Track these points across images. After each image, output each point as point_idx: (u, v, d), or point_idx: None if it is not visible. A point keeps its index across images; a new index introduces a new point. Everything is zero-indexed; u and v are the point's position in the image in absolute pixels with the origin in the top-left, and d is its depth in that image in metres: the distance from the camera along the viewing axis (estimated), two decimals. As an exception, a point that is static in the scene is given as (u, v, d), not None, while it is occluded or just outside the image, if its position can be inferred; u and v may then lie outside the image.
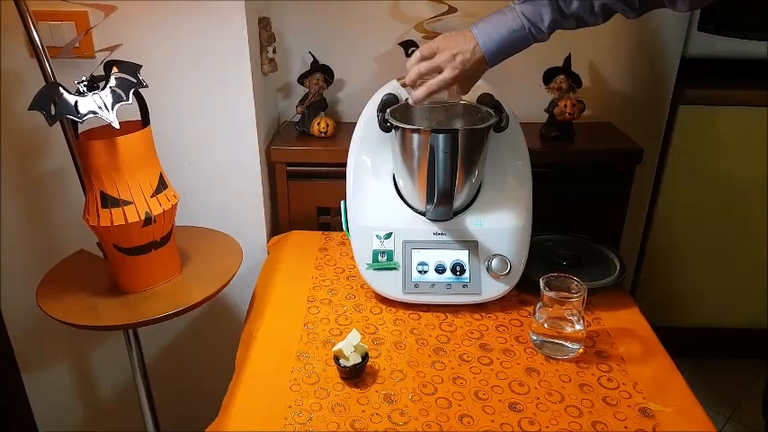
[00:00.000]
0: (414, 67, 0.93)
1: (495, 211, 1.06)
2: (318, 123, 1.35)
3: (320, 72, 1.35)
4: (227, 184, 1.28)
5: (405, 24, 1.38)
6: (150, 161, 1.01)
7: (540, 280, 0.93)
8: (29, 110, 0.88)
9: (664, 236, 1.65)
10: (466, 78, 0.92)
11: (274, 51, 1.32)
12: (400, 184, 1.08)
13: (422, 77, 0.93)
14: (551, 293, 0.91)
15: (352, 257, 1.08)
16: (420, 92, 0.92)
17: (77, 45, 1.12)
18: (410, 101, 0.95)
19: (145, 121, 1.02)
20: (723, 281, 1.70)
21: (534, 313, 0.95)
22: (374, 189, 1.09)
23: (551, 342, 0.93)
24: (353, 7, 1.38)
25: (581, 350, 0.93)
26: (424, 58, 0.93)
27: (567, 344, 0.93)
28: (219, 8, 1.13)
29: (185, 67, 1.17)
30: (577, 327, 0.92)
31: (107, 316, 0.99)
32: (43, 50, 0.98)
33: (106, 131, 0.97)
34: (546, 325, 0.93)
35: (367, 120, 1.09)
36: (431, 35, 1.36)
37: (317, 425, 0.80)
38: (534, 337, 0.95)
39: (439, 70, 0.91)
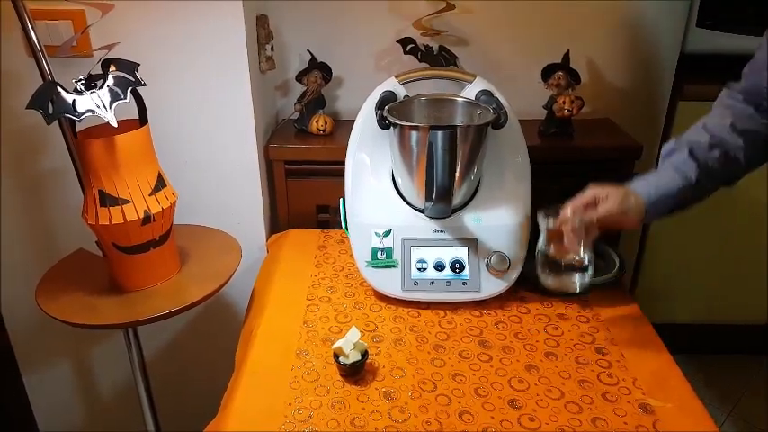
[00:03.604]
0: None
1: (494, 208, 1.06)
2: (317, 121, 1.35)
3: (318, 70, 1.35)
4: (225, 182, 1.28)
5: (403, 21, 1.38)
6: (148, 159, 1.01)
7: (539, 213, 0.89)
8: (26, 109, 0.88)
9: (662, 232, 1.65)
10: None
11: (272, 49, 1.32)
12: (399, 181, 1.08)
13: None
14: (550, 222, 0.87)
15: (352, 255, 1.08)
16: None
17: (75, 44, 1.12)
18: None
19: (143, 119, 1.02)
20: (722, 277, 1.70)
21: (537, 250, 0.91)
22: (373, 187, 1.09)
23: (556, 275, 0.90)
24: (352, 5, 1.38)
25: (588, 282, 0.89)
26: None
27: (573, 274, 0.89)
28: (217, 6, 1.13)
29: (183, 66, 1.17)
30: (583, 254, 0.88)
31: (106, 315, 0.99)
32: (41, 49, 0.98)
33: (104, 130, 0.97)
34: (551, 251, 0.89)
35: (365, 117, 1.09)
36: (429, 32, 1.35)
37: (316, 422, 0.80)
38: (540, 270, 0.91)
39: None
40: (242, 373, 0.90)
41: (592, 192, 0.88)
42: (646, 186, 0.87)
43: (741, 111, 0.87)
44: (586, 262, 0.89)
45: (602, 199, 0.86)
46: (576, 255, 0.88)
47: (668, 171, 0.87)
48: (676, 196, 0.86)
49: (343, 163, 1.11)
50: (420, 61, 1.36)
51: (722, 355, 1.83)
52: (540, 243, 0.91)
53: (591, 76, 1.44)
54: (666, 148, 0.90)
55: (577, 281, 0.91)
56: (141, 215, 0.97)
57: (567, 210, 0.87)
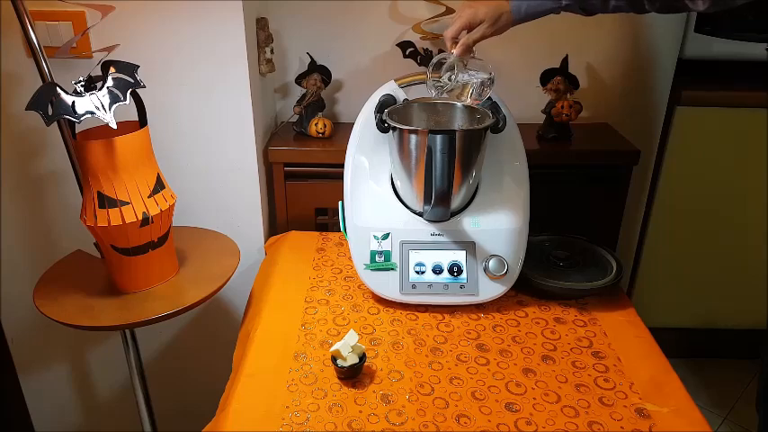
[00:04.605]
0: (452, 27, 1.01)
1: (492, 212, 1.06)
2: (316, 124, 1.35)
3: (318, 72, 1.35)
4: (224, 184, 1.28)
5: (402, 25, 1.38)
6: (148, 161, 1.01)
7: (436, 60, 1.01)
8: (26, 110, 0.88)
9: (660, 237, 1.65)
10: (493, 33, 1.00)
11: (272, 52, 1.32)
12: (398, 184, 1.08)
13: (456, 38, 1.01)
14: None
15: (350, 258, 1.08)
16: (457, 49, 1.00)
17: (75, 45, 1.12)
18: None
19: (142, 121, 1.02)
20: (719, 282, 1.70)
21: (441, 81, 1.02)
22: (372, 190, 1.09)
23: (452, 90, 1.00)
24: (351, 8, 1.38)
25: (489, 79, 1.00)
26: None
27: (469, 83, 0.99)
28: (217, 8, 1.13)
29: (183, 68, 1.17)
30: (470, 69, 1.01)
31: (104, 316, 0.99)
32: (40, 50, 0.98)
33: (104, 132, 0.97)
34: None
35: (364, 120, 1.09)
36: (428, 36, 1.36)
37: (314, 425, 0.80)
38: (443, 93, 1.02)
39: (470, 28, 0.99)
40: (240, 376, 0.90)
41: (465, 18, 0.98)
42: (517, 5, 0.97)
43: None
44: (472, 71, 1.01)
45: (476, 24, 0.98)
46: (465, 63, 1.01)
47: None
48: (543, 14, 0.99)
49: (342, 166, 1.11)
50: (419, 65, 1.37)
51: (719, 359, 1.84)
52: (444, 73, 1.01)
53: (589, 80, 1.45)
54: None
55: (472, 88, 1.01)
56: (140, 217, 0.97)
57: (448, 42, 1.01)
